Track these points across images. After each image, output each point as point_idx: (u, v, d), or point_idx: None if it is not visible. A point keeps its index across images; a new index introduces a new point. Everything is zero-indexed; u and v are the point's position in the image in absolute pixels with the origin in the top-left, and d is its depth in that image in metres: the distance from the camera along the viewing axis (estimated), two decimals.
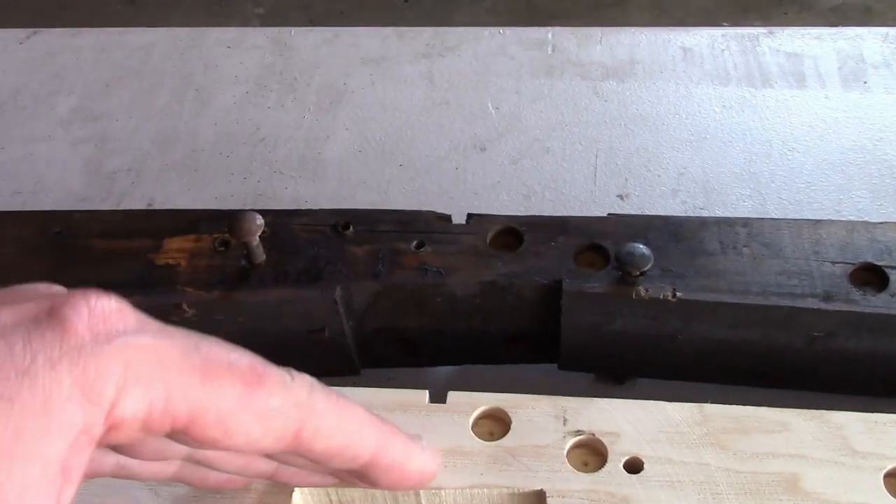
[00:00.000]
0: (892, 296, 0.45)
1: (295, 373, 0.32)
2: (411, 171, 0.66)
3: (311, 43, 0.77)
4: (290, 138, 0.69)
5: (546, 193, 0.64)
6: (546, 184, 0.65)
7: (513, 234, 0.50)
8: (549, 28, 0.77)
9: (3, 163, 0.70)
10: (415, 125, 0.70)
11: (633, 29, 0.76)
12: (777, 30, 0.75)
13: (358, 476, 0.36)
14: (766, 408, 0.44)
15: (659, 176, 0.65)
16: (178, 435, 0.30)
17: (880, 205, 0.62)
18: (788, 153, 0.65)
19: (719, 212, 0.61)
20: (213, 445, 0.30)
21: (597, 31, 0.76)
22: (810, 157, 0.65)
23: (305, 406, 0.31)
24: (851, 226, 0.49)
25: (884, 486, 0.40)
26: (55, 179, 0.69)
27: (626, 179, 0.65)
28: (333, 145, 0.69)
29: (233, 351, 0.31)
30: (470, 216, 0.51)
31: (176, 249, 0.50)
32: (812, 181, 0.64)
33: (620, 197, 0.63)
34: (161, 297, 0.48)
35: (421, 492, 0.42)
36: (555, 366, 0.53)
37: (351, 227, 0.50)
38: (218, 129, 0.71)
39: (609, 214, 0.50)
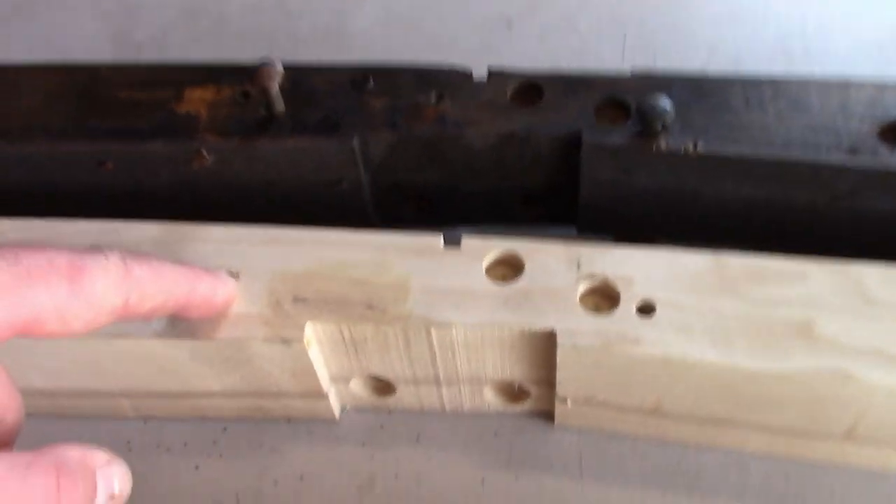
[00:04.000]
0: None
1: (108, 252, 0.35)
2: (436, 46, 0.66)
3: None
4: (316, 10, 0.69)
5: (569, 55, 0.63)
6: (573, 61, 0.64)
7: (534, 88, 0.49)
8: None
9: (30, 35, 0.71)
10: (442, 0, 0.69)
11: None
12: None
13: (175, 314, 0.40)
14: (783, 258, 0.43)
15: (689, 53, 0.63)
16: (22, 335, 0.33)
17: None
18: (823, 31, 0.64)
19: None
20: (54, 337, 0.34)
21: None
22: (846, 36, 0.63)
23: (126, 277, 0.35)
24: (882, 86, 0.47)
25: None
26: (82, 51, 0.69)
27: (655, 56, 0.63)
28: (358, 19, 0.68)
29: (48, 251, 0.33)
30: (491, 72, 0.50)
31: (197, 99, 0.50)
32: (847, 60, 0.62)
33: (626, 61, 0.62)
34: (181, 142, 0.49)
35: (432, 329, 0.42)
36: (572, 230, 0.53)
37: (371, 81, 0.50)
38: (244, 0, 0.70)
39: (632, 71, 0.49)
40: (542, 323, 0.41)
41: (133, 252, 0.37)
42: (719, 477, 0.46)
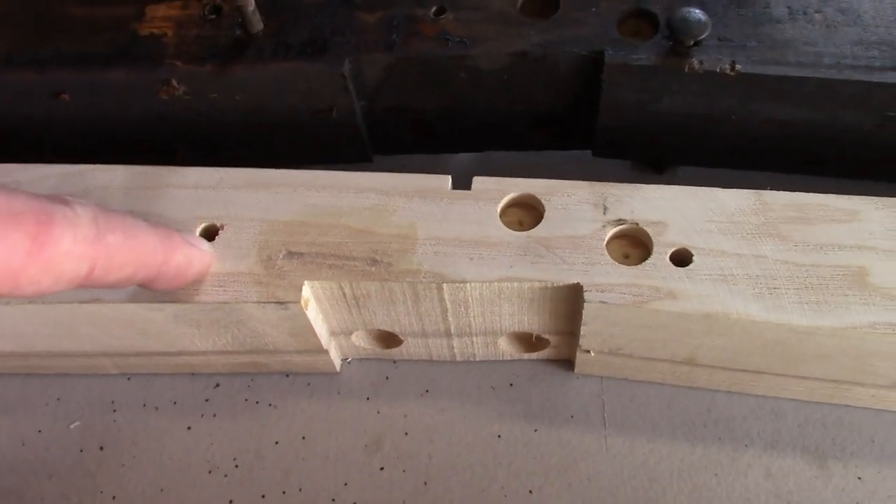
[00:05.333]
0: None
1: (79, 207, 0.30)
2: None
3: None
4: None
5: None
6: None
7: None
8: None
9: None
10: None
11: None
12: None
13: (141, 285, 0.35)
14: (833, 195, 0.39)
15: None
16: None
17: None
18: None
19: None
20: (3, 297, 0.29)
21: None
22: None
23: (95, 243, 0.30)
24: None
25: None
26: None
27: None
28: None
29: (14, 198, 0.28)
30: None
31: (161, 17, 0.44)
32: None
33: None
34: (147, 71, 0.43)
35: (444, 285, 0.38)
36: (585, 153, 0.48)
37: None
38: None
39: None
40: (566, 277, 0.37)
41: (106, 210, 0.31)
42: (752, 424, 0.43)
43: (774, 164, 0.45)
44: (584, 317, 0.38)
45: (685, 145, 0.45)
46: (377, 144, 0.47)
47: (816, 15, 0.41)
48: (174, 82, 0.43)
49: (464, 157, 0.51)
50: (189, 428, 0.44)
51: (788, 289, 0.36)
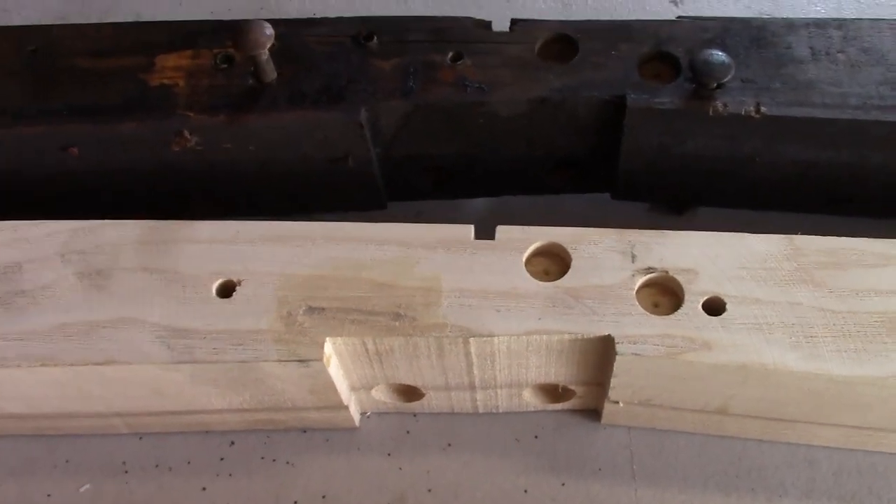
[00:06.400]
0: None
1: None
2: None
3: None
4: None
5: (589, 6, 0.56)
6: (610, 6, 0.56)
7: (566, 41, 0.42)
8: None
9: None
10: None
11: None
12: None
13: None
14: (865, 238, 0.38)
15: None
16: None
17: None
18: None
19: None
20: None
21: None
22: None
23: None
24: None
25: None
26: (31, 8, 0.60)
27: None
28: None
29: None
30: (514, 22, 0.43)
31: (172, 67, 0.43)
32: None
33: (674, 3, 0.55)
34: (158, 122, 0.42)
35: (471, 340, 0.36)
36: (602, 196, 0.47)
37: (375, 38, 0.43)
38: None
39: (678, 17, 0.43)
40: (596, 329, 0.36)
41: None
42: (786, 473, 0.41)
43: (798, 204, 0.44)
44: (615, 369, 0.37)
45: (707, 187, 0.44)
46: (393, 191, 0.46)
47: (840, 55, 0.41)
48: (187, 133, 0.42)
49: (480, 202, 0.50)
50: (204, 489, 0.43)
51: (826, 337, 0.35)
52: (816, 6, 0.54)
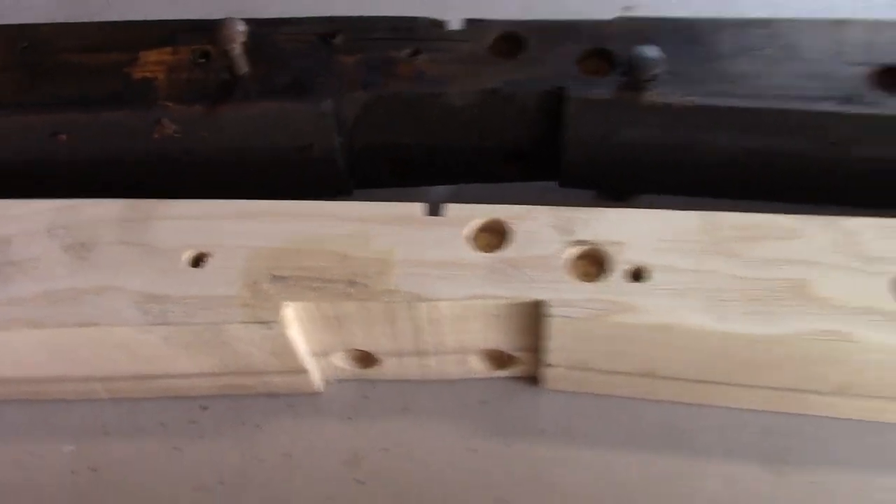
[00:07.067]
0: None
1: None
2: None
3: None
4: None
5: (547, 4, 0.60)
6: (556, 6, 0.60)
7: (514, 39, 0.46)
8: None
9: None
10: None
11: None
12: None
13: None
14: (777, 215, 0.42)
15: None
16: None
17: None
18: None
19: None
20: None
21: None
22: None
23: None
24: (875, 26, 0.45)
25: (891, 291, 0.39)
26: (24, 7, 0.65)
27: None
28: None
29: None
30: (468, 21, 0.47)
31: (153, 62, 0.47)
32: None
33: (626, 10, 0.59)
34: (140, 112, 0.45)
35: (418, 304, 0.40)
36: (553, 184, 0.51)
37: (340, 36, 0.47)
38: None
39: (617, 17, 0.47)
40: (530, 294, 0.40)
41: None
42: (713, 434, 0.45)
43: (730, 191, 0.48)
44: (548, 332, 0.40)
45: (645, 175, 0.48)
46: (357, 179, 0.50)
47: (761, 52, 0.45)
48: (166, 122, 0.46)
49: (438, 190, 0.54)
50: (176, 448, 0.46)
51: (736, 301, 0.39)
52: (759, 13, 0.58)
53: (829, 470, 0.44)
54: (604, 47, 0.45)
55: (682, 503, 0.43)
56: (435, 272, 0.41)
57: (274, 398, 0.47)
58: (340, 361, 0.46)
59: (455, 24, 0.47)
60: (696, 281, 0.40)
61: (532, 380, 0.47)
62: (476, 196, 0.52)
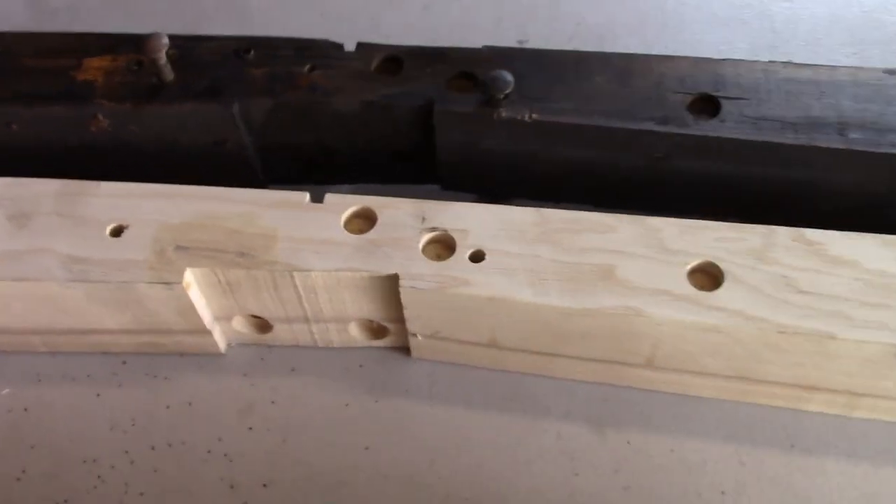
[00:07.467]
0: (721, 121, 0.52)
1: None
2: (328, 15, 0.71)
3: None
4: None
5: (452, 38, 0.69)
6: (453, 29, 0.70)
7: (395, 60, 0.55)
8: None
9: None
10: None
11: None
12: None
13: None
14: (600, 213, 0.50)
15: (557, 25, 0.70)
16: None
17: (757, 56, 0.67)
18: (680, 7, 0.70)
19: None
20: None
21: None
22: (700, 11, 0.70)
23: None
24: (696, 62, 0.54)
25: (686, 279, 0.48)
26: None
27: (527, 27, 0.70)
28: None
29: None
30: (360, 45, 0.56)
31: (95, 68, 0.56)
32: (697, 33, 0.69)
33: (520, 43, 0.69)
34: (79, 107, 0.54)
35: (295, 273, 0.49)
36: (437, 188, 0.60)
37: (252, 52, 0.56)
38: None
39: (483, 46, 0.56)
40: (387, 269, 0.48)
41: None
42: (550, 399, 0.53)
43: (573, 196, 0.56)
44: (403, 302, 0.49)
45: (508, 181, 0.57)
46: (272, 175, 0.59)
47: (598, 78, 0.53)
48: (101, 117, 0.54)
49: (343, 188, 0.62)
50: (98, 395, 0.54)
51: (554, 280, 0.47)
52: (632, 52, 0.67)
53: (643, 431, 0.52)
54: (471, 71, 0.54)
55: (520, 453, 0.51)
56: (311, 248, 0.49)
57: (183, 357, 0.55)
58: (240, 326, 0.54)
59: (351, 46, 0.56)
60: (524, 263, 0.48)
61: (405, 350, 0.55)
62: (373, 195, 0.61)
